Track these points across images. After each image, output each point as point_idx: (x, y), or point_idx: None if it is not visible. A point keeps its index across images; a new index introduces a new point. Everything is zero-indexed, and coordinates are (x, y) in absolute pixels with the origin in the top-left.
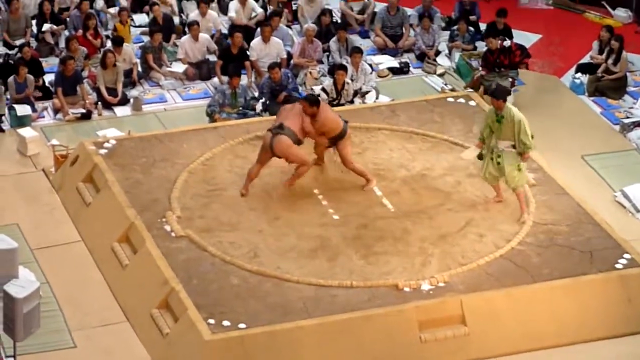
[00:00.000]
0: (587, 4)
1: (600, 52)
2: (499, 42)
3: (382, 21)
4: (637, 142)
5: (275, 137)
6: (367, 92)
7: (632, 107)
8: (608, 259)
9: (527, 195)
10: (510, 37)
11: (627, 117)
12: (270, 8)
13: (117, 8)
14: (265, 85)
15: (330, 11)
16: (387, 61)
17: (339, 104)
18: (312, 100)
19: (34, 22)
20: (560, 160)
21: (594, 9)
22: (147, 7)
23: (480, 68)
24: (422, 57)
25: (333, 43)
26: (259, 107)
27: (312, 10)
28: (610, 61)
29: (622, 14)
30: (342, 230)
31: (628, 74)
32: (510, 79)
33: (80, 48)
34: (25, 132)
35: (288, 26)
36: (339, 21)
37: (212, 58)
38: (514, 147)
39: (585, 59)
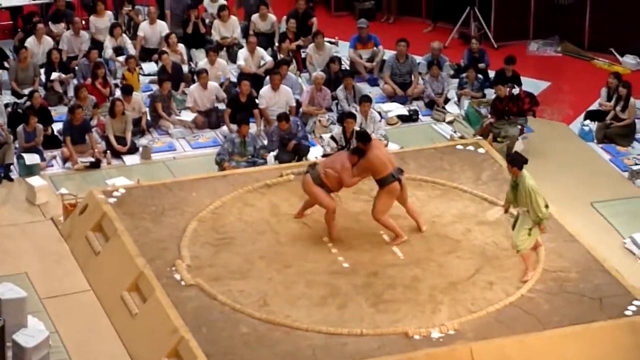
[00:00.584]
0: (596, 51)
1: (609, 99)
2: (508, 89)
3: (391, 69)
4: None
5: (305, 175)
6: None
7: None
8: (618, 305)
9: (537, 256)
10: (519, 85)
11: (636, 164)
12: (279, 56)
13: (125, 57)
14: (274, 134)
15: (339, 59)
16: (396, 109)
17: None
18: (358, 151)
19: (42, 70)
20: (569, 207)
21: (603, 56)
22: (155, 56)
23: (489, 115)
24: (431, 104)
25: (340, 91)
26: (270, 159)
27: (321, 59)
28: (618, 108)
29: (630, 61)
30: (351, 278)
31: (637, 120)
32: (520, 126)
33: (89, 97)
34: (34, 181)
35: (297, 74)
36: (348, 69)
37: (222, 106)
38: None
39: (594, 106)
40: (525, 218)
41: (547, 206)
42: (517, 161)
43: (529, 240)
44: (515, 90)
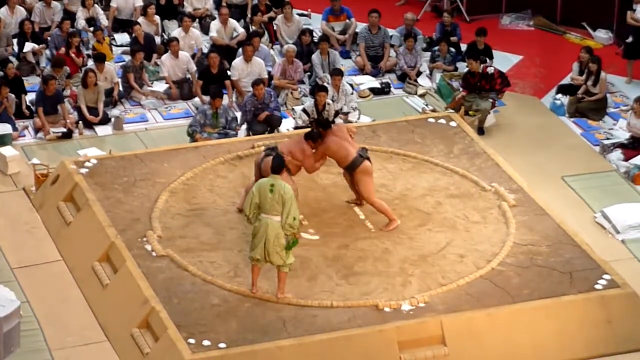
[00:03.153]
0: (568, 26)
1: (581, 73)
2: (483, 67)
3: (364, 40)
4: (617, 163)
5: (265, 158)
6: (348, 113)
7: (612, 129)
8: (588, 279)
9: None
10: (491, 57)
11: (607, 139)
12: (252, 28)
13: (98, 28)
14: (248, 103)
15: (310, 31)
16: (368, 82)
17: None
18: (311, 136)
19: (15, 41)
20: (540, 181)
21: (575, 30)
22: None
23: (461, 89)
24: (403, 77)
25: (315, 56)
26: (241, 132)
27: (290, 31)
28: (589, 83)
29: (602, 36)
30: (322, 250)
31: (608, 95)
32: (491, 100)
33: (64, 67)
34: (6, 150)
35: (269, 46)
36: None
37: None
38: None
39: (566, 80)
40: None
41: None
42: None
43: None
44: (490, 69)
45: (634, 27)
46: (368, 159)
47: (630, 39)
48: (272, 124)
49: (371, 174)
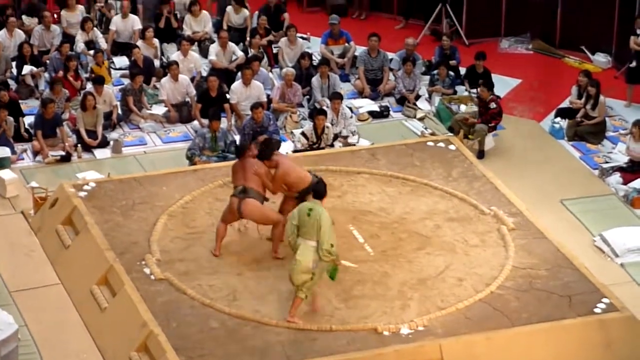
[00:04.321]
0: (567, 49)
1: (579, 96)
2: (491, 98)
3: (363, 63)
4: (616, 186)
5: (243, 201)
6: (347, 136)
7: (611, 152)
8: (587, 303)
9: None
10: (489, 78)
11: (606, 162)
12: (251, 51)
13: (97, 51)
14: (247, 126)
15: (310, 54)
16: (367, 105)
17: (319, 148)
18: (265, 153)
19: (13, 64)
20: (539, 204)
21: (574, 54)
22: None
23: (477, 120)
24: (402, 101)
25: (315, 80)
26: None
27: (293, 53)
28: (588, 106)
29: (601, 59)
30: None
31: (607, 118)
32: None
33: (63, 90)
34: (5, 174)
35: (268, 70)
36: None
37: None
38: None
39: (565, 104)
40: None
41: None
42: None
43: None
44: (493, 105)
45: (637, 52)
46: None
47: (633, 64)
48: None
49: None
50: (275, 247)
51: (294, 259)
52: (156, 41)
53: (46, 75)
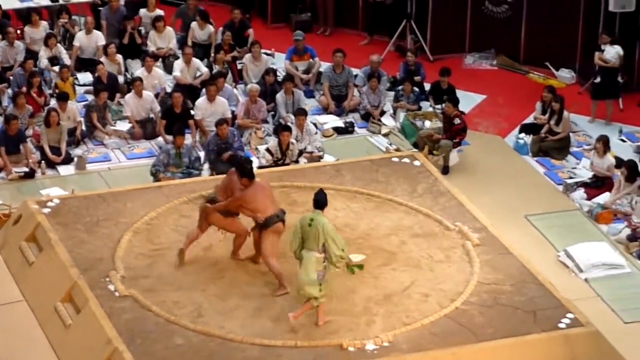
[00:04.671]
0: (531, 65)
1: (544, 112)
2: (455, 113)
3: (328, 79)
4: (580, 202)
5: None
6: (312, 152)
7: (575, 168)
8: (551, 318)
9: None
10: (454, 94)
11: (571, 177)
12: (215, 67)
13: (61, 67)
14: (211, 143)
15: (274, 70)
16: (332, 121)
17: (284, 164)
18: (243, 172)
19: None
20: (504, 220)
21: (538, 69)
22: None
23: (441, 134)
24: (367, 117)
25: (280, 96)
26: (205, 170)
27: (257, 69)
28: (552, 122)
29: (565, 75)
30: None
31: (571, 134)
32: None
33: (27, 106)
34: None
35: (233, 86)
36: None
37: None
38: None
39: (529, 120)
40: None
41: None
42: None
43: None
44: (457, 120)
45: (601, 68)
46: (283, 221)
47: (598, 79)
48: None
49: (279, 235)
50: (235, 253)
51: (299, 272)
52: (119, 57)
53: (9, 91)
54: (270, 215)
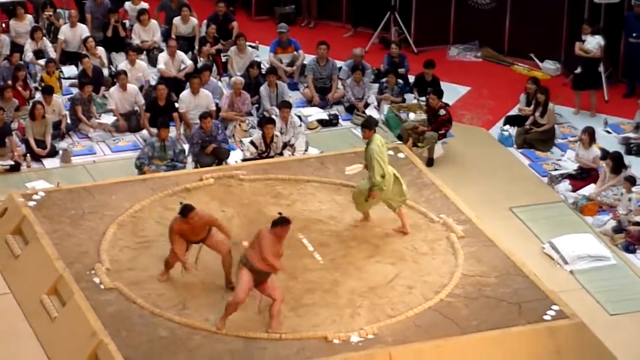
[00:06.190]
0: (516, 57)
1: (528, 104)
2: (440, 104)
3: (312, 72)
4: (565, 194)
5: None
6: (292, 145)
7: (560, 159)
8: (536, 310)
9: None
10: (438, 86)
11: (555, 169)
12: (200, 60)
13: (46, 60)
14: (195, 136)
15: (258, 63)
16: (316, 113)
17: (268, 157)
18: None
19: None
20: (488, 212)
21: (523, 61)
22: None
23: (427, 127)
24: (351, 109)
25: (263, 89)
26: (189, 163)
27: (242, 62)
28: (537, 113)
29: (550, 66)
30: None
31: (556, 126)
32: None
33: (12, 99)
34: None
35: (217, 79)
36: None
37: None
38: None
39: (514, 111)
40: (365, 183)
41: (383, 176)
42: (370, 123)
43: (365, 204)
44: (443, 112)
45: (583, 58)
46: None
47: (579, 70)
48: (219, 156)
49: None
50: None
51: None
52: (101, 50)
53: None
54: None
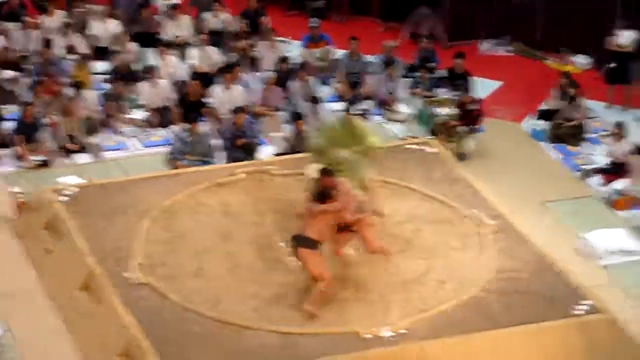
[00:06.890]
0: (548, 51)
1: (560, 98)
2: (472, 100)
3: (344, 66)
4: (597, 188)
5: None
6: None
7: (591, 154)
8: (569, 305)
9: None
10: (469, 79)
11: (587, 164)
12: (231, 55)
13: (77, 55)
14: (227, 131)
15: (289, 58)
16: (347, 108)
17: (300, 152)
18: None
19: None
20: (521, 207)
21: (554, 55)
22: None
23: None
24: (382, 104)
25: (294, 84)
26: (221, 159)
27: (273, 57)
28: (569, 108)
29: (582, 61)
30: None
31: (587, 120)
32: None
33: (44, 95)
34: None
35: (249, 74)
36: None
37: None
38: None
39: (546, 106)
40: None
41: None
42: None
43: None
44: (473, 107)
45: (616, 53)
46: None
47: (612, 65)
48: (251, 151)
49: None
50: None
51: None
52: (134, 45)
53: (26, 80)
54: None
